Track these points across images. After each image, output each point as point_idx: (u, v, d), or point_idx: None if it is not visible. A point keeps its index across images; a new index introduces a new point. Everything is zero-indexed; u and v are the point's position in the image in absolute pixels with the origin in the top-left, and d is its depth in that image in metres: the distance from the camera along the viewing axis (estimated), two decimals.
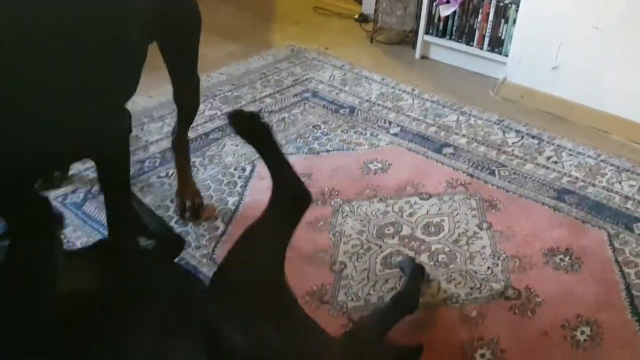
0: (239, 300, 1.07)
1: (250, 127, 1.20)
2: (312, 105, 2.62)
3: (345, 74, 2.90)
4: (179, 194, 1.94)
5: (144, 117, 2.45)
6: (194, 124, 2.13)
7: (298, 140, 2.36)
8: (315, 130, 2.43)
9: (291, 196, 1.19)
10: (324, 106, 2.61)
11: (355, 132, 2.43)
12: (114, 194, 1.44)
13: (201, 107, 2.48)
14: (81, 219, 1.87)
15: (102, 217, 1.88)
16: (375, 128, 2.46)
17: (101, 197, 1.96)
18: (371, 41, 3.28)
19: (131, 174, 2.09)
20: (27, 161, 1.15)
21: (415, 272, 1.65)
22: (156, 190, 2.03)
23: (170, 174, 2.10)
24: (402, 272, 1.70)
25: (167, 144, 2.27)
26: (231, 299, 1.07)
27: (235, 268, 1.13)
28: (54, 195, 1.97)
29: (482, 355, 1.49)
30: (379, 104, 2.64)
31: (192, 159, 2.23)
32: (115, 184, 1.44)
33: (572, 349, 1.52)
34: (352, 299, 1.64)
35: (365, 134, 2.42)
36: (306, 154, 2.27)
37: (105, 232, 1.80)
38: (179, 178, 1.97)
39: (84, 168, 2.10)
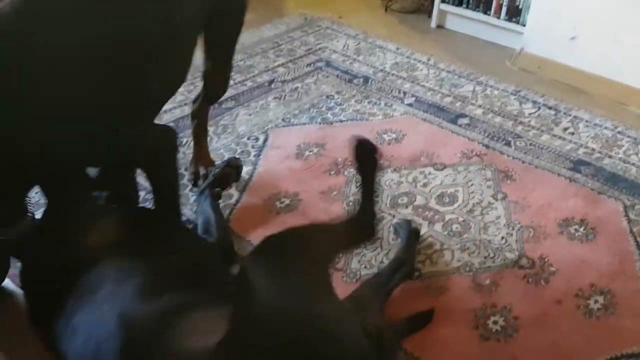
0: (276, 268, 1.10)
1: (369, 158, 1.37)
2: (326, 74, 2.60)
3: (359, 43, 2.86)
4: (193, 162, 1.95)
5: None
6: None
7: (311, 110, 2.34)
8: (329, 100, 2.41)
9: (363, 226, 1.32)
10: (337, 76, 2.59)
11: (369, 102, 2.41)
12: (163, 208, 1.48)
13: None
14: None
15: None
16: (389, 98, 2.44)
17: None
18: (385, 10, 3.23)
19: None
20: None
21: (411, 236, 1.68)
22: None
23: (184, 142, 2.11)
24: (396, 234, 1.73)
25: (180, 112, 2.28)
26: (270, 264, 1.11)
27: (281, 248, 1.15)
28: None
29: (495, 322, 1.50)
30: (393, 74, 2.61)
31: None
32: (163, 198, 1.47)
33: (585, 318, 1.52)
34: (365, 267, 1.64)
35: (380, 104, 2.40)
36: (319, 124, 2.26)
37: None
38: (195, 146, 1.97)
39: None
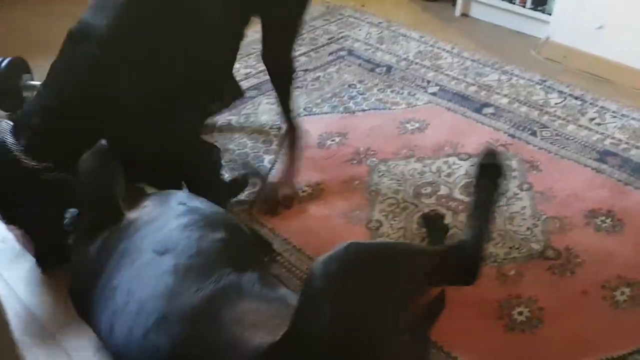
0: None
1: (493, 175, 1.26)
2: (348, 63, 2.59)
3: (382, 31, 2.84)
4: (273, 188, 1.83)
5: None
6: None
7: (333, 99, 2.34)
8: (351, 89, 2.40)
9: (465, 263, 1.18)
10: (359, 65, 2.58)
11: (392, 91, 2.39)
12: None
13: (236, 65, 2.48)
14: None
15: None
16: (412, 87, 2.42)
17: None
18: None
19: None
20: None
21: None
22: None
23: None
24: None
25: None
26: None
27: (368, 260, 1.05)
28: None
29: (520, 313, 1.49)
30: (416, 63, 2.59)
31: (228, 117, 2.24)
32: None
33: (611, 309, 1.50)
34: None
35: (403, 93, 2.38)
36: (342, 113, 2.25)
37: None
38: (285, 164, 1.89)
39: None
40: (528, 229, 1.73)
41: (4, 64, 2.10)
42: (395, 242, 1.16)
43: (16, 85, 2.15)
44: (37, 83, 2.18)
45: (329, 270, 0.96)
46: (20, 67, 2.18)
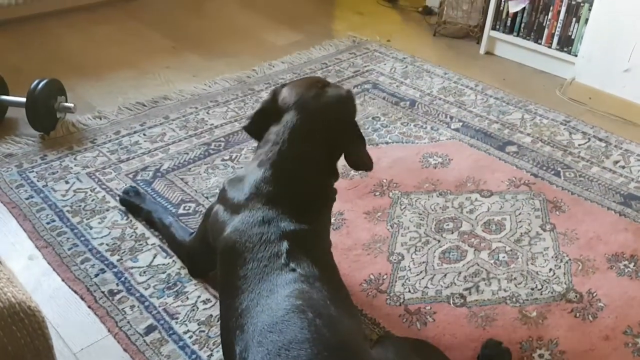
0: None
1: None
2: (372, 96, 2.63)
3: (406, 66, 2.88)
4: None
5: (210, 101, 2.51)
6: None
7: None
8: (375, 122, 2.43)
9: None
10: (384, 98, 2.61)
11: (415, 126, 2.42)
12: None
13: (261, 94, 2.53)
14: (150, 195, 1.94)
15: (170, 194, 1.95)
16: (436, 122, 2.44)
17: (170, 175, 2.04)
18: (434, 35, 3.25)
19: (196, 155, 2.17)
20: None
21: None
22: (220, 172, 2.08)
23: (234, 157, 2.15)
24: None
25: (230, 128, 2.33)
26: None
27: None
28: (126, 172, 2.05)
29: (541, 356, 1.47)
30: (440, 98, 2.62)
31: (248, 147, 2.26)
32: None
33: (633, 356, 1.48)
34: (410, 291, 1.64)
35: (426, 127, 2.41)
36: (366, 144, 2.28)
37: (173, 209, 1.87)
38: None
39: (153, 148, 2.18)
40: (550, 270, 1.72)
41: (40, 85, 2.16)
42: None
43: (51, 107, 2.21)
44: (71, 105, 2.25)
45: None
46: (56, 88, 2.24)
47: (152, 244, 1.75)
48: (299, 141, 1.44)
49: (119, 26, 3.14)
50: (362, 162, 1.52)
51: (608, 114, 2.54)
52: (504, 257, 1.77)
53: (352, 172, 2.11)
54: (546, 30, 2.81)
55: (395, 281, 1.67)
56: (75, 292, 1.59)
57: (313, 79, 1.57)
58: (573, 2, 2.70)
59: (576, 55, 2.70)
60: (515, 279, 1.69)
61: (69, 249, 1.71)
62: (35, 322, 0.84)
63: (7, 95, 2.29)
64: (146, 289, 1.60)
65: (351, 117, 1.54)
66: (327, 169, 1.50)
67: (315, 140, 1.46)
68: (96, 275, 1.63)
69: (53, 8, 3.15)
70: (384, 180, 2.08)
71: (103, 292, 1.59)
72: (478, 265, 1.74)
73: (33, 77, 2.21)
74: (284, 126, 1.44)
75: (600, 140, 2.36)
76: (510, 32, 2.95)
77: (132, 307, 1.55)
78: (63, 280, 1.62)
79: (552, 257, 1.77)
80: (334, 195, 1.54)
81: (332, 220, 1.89)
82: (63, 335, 1.47)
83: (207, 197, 1.94)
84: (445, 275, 1.70)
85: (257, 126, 1.52)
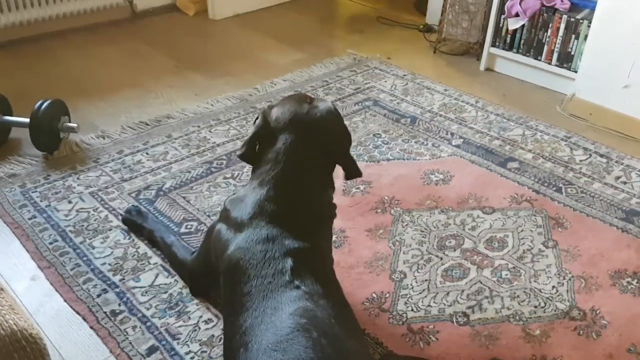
0: None
1: None
2: (373, 113, 2.64)
3: (407, 83, 2.90)
4: None
5: (212, 119, 2.52)
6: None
7: (358, 147, 2.38)
8: (376, 139, 2.44)
9: None
10: (384, 115, 2.62)
11: (416, 142, 2.43)
12: None
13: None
14: (152, 214, 1.95)
15: (172, 213, 1.96)
16: (437, 139, 2.45)
17: (172, 194, 2.05)
18: (434, 52, 3.27)
19: (198, 173, 2.18)
20: None
21: None
22: (222, 190, 2.08)
23: (235, 175, 2.16)
24: None
25: (232, 146, 2.34)
26: None
27: None
28: (128, 191, 2.06)
29: None
30: (441, 115, 2.63)
31: (250, 165, 2.27)
32: None
33: None
34: (412, 309, 1.64)
35: (427, 144, 2.41)
36: (366, 161, 2.29)
37: (175, 228, 1.88)
38: None
39: (156, 166, 2.19)
40: (553, 287, 1.72)
41: (44, 106, 2.18)
42: None
43: (54, 127, 2.23)
44: (74, 125, 2.27)
45: None
46: (59, 109, 2.26)
47: (154, 264, 1.75)
48: (300, 158, 1.46)
49: (121, 46, 3.17)
50: (356, 168, 1.56)
51: (609, 130, 2.55)
52: (506, 274, 1.76)
53: (354, 189, 2.11)
54: (546, 47, 2.83)
55: (398, 299, 1.67)
56: (78, 312, 1.59)
57: (299, 96, 1.60)
58: (572, 19, 2.72)
59: (576, 72, 2.72)
60: (518, 296, 1.68)
61: (72, 269, 1.72)
62: (37, 349, 0.84)
63: (11, 115, 2.31)
64: (148, 309, 1.60)
65: (343, 126, 1.58)
66: (326, 182, 1.53)
67: (314, 155, 1.48)
68: (98, 296, 1.64)
69: (56, 29, 3.19)
70: (386, 198, 2.08)
71: (105, 313, 1.59)
72: (481, 282, 1.73)
73: (36, 97, 2.23)
74: (283, 144, 1.46)
75: (602, 156, 2.36)
76: (510, 48, 2.97)
77: (134, 327, 1.55)
78: (65, 300, 1.62)
79: (555, 274, 1.77)
80: (334, 210, 1.55)
81: (334, 237, 1.89)
82: (65, 357, 1.47)
83: (209, 216, 1.94)
84: (448, 293, 1.69)
85: (251, 152, 1.53)
